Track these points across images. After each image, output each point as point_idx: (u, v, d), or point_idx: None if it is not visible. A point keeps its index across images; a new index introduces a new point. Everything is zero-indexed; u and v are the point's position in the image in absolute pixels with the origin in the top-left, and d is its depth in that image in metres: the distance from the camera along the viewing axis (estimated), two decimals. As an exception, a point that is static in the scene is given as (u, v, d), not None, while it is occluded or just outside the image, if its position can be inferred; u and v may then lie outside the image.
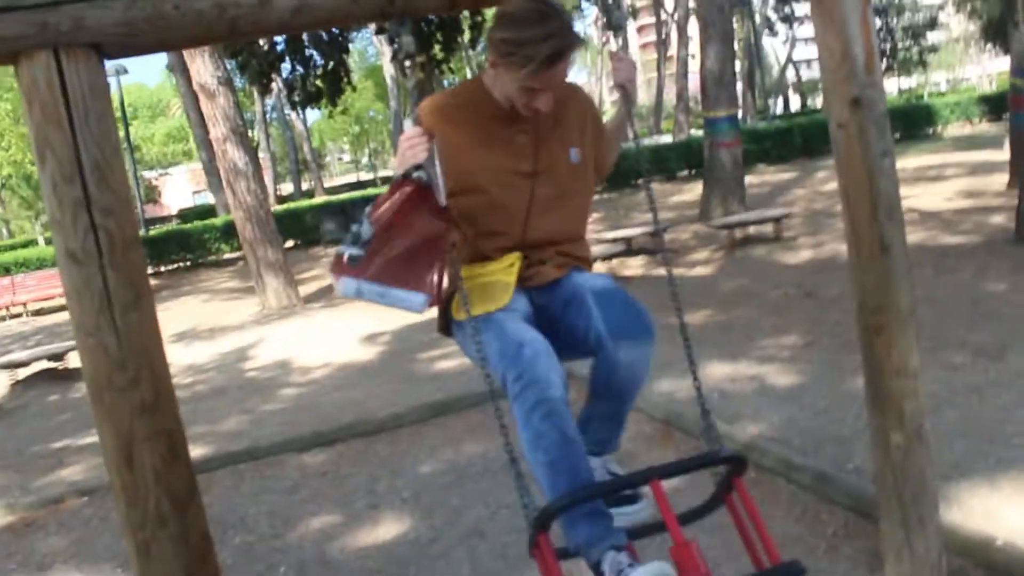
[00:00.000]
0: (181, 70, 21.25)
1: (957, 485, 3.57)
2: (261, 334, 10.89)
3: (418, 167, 2.16)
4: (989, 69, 70.40)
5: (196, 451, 5.81)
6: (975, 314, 6.36)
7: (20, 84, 1.97)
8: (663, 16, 48.66)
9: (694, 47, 39.83)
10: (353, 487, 4.83)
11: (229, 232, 20.04)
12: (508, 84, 2.21)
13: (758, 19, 46.43)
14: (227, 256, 21.72)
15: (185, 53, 13.57)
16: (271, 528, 4.44)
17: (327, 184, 58.72)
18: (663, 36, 49.09)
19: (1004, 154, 14.19)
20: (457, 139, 2.29)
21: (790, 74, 61.53)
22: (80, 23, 1.93)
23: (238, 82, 27.54)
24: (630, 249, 11.65)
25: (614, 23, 2.19)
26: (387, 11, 2.10)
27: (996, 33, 38.05)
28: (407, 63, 2.21)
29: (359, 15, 2.11)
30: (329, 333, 10.19)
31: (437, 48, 16.20)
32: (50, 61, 1.93)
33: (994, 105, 30.35)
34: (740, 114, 34.17)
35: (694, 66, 38.86)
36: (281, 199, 43.89)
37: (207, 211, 34.90)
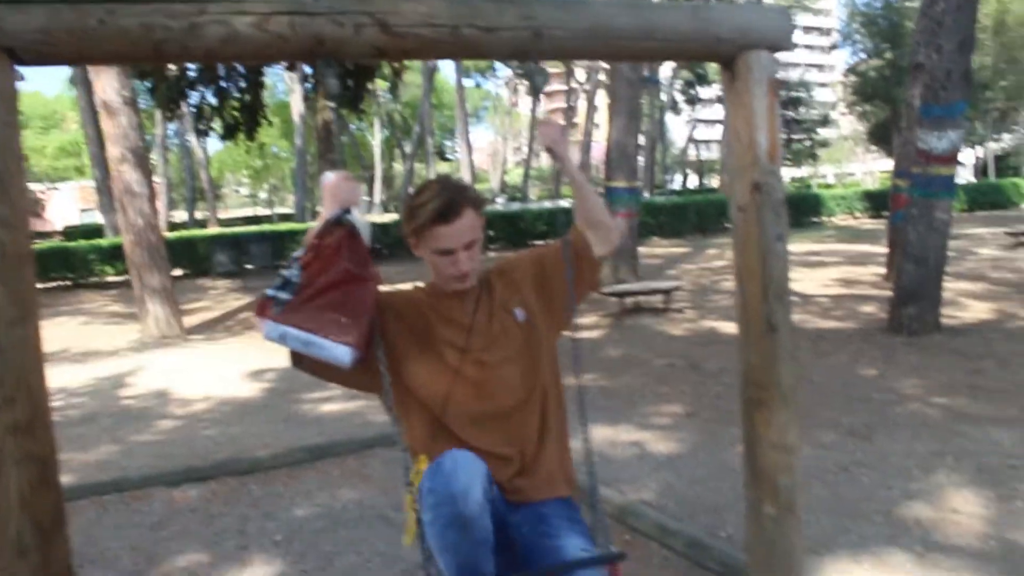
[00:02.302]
0: (84, 84, 20.69)
1: (821, 559, 3.71)
2: (140, 362, 10.53)
3: (348, 211, 2.16)
4: (873, 167, 74.35)
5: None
6: (847, 397, 6.64)
7: (-75, 81, 1.91)
8: (573, 85, 49.89)
9: (599, 118, 40.94)
10: (223, 526, 4.68)
11: (115, 254, 19.40)
12: (429, 258, 2.29)
13: (664, 98, 48.05)
14: (111, 279, 20.98)
15: (91, 68, 13.23)
16: (133, 564, 4.25)
17: (222, 215, 57.59)
18: (570, 103, 50.26)
19: (883, 247, 15.00)
20: (434, 316, 2.36)
21: (690, 152, 63.67)
22: (-4, 26, 1.89)
23: (142, 103, 26.95)
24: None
25: (536, 85, 2.26)
26: (316, 51, 2.12)
27: (881, 135, 40.37)
28: (330, 104, 2.24)
29: (288, 52, 2.13)
30: (211, 366, 9.93)
31: (348, 92, 16.17)
32: (-41, 60, 1.88)
33: (876, 202, 32.08)
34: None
35: (598, 136, 39.90)
36: (173, 226, 42.82)
37: (94, 231, 33.73)
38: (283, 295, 2.11)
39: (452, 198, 2.21)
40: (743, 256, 2.59)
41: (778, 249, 2.56)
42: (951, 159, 9.00)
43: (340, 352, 2.11)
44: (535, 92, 2.22)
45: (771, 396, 2.62)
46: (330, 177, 2.22)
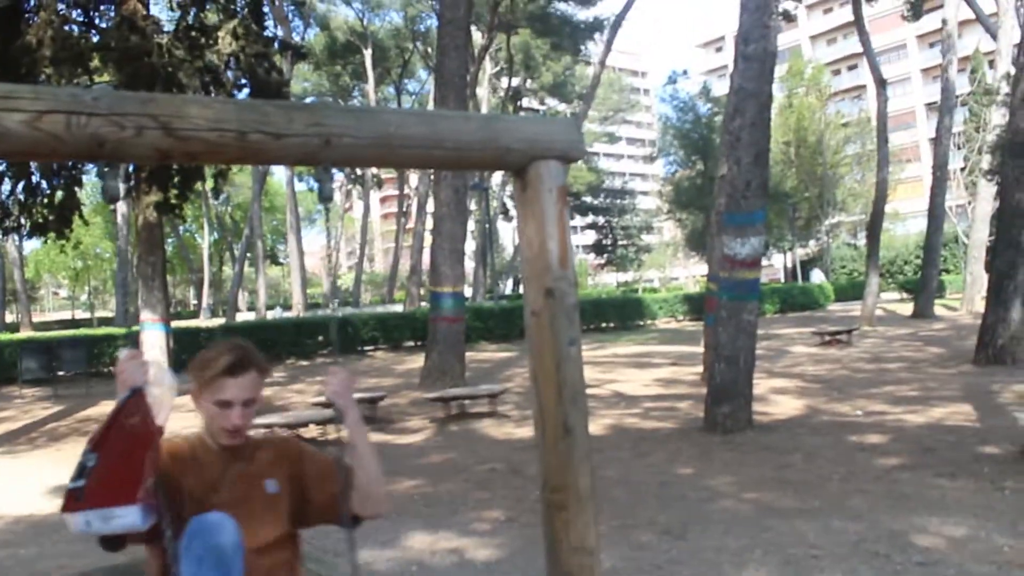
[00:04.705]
0: None
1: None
2: (-76, 480, 9.61)
3: (135, 390, 2.15)
4: (695, 271, 78.18)
5: None
6: (664, 495, 6.79)
7: None
8: (406, 190, 50.50)
9: (431, 223, 41.51)
10: (3, 663, 4.27)
11: (-96, 362, 17.87)
12: (207, 409, 2.41)
13: (495, 203, 49.19)
14: (-102, 390, 19.25)
15: None
16: None
17: (37, 319, 54.32)
18: (404, 208, 50.76)
19: (700, 348, 15.68)
20: (181, 467, 2.38)
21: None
22: None
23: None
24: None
25: (323, 195, 2.27)
26: (96, 153, 2.05)
27: (697, 241, 42.79)
28: (111, 206, 2.19)
29: (65, 152, 2.05)
30: (6, 482, 9.16)
31: (173, 192, 15.73)
32: None
33: (696, 305, 33.62)
34: (470, 292, 35.43)
35: (429, 240, 40.37)
36: (-22, 330, 39.94)
37: None
38: (80, 483, 2.04)
39: (243, 356, 2.40)
40: (538, 360, 2.63)
41: (571, 353, 2.62)
42: (754, 263, 9.59)
43: (135, 514, 2.05)
44: (323, 200, 2.23)
45: (569, 499, 2.65)
46: (122, 357, 2.22)
